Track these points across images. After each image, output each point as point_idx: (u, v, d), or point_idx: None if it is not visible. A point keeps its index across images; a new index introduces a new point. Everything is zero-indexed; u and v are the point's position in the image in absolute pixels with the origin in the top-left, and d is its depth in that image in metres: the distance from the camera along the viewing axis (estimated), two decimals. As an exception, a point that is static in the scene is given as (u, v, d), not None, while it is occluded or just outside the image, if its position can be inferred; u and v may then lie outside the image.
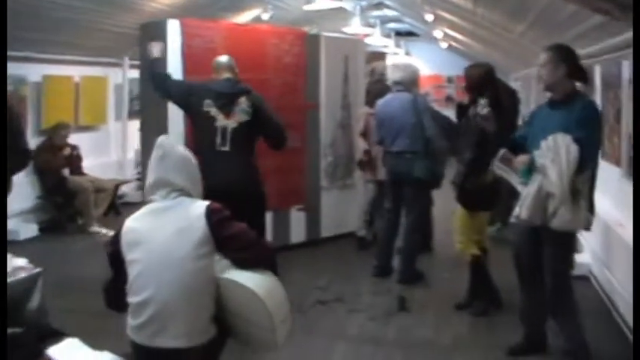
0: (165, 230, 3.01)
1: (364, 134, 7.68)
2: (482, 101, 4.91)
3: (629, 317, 4.97)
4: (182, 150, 3.26)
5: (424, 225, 7.42)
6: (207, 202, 3.11)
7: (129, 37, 9.24)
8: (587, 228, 4.31)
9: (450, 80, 19.99)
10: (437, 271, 6.85)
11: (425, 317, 5.57)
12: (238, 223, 3.13)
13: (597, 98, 6.48)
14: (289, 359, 4.31)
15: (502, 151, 4.47)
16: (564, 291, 4.35)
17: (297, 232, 7.63)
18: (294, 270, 6.39)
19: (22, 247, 6.96)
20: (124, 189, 10.03)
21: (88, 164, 9.22)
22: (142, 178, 10.78)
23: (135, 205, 9.49)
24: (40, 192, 8.61)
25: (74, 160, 8.86)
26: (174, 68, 6.32)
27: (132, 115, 10.74)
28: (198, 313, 3.01)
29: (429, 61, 19.72)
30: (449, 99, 18.57)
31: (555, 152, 3.99)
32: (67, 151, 8.70)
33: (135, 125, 10.90)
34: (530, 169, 4.17)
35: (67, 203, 8.66)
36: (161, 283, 2.94)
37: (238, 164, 5.33)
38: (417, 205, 6.56)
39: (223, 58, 5.78)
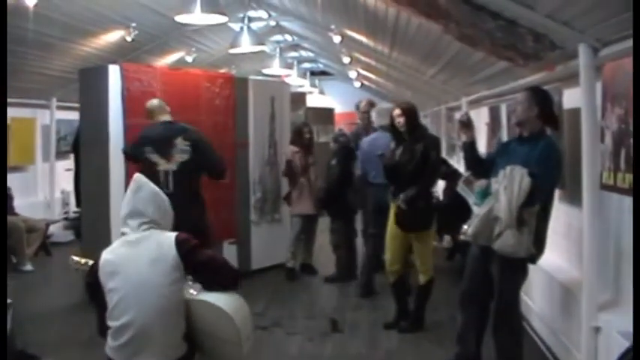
0: (139, 260, 3.36)
1: (289, 169, 8.22)
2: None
3: (544, 335, 5.54)
4: (154, 186, 3.60)
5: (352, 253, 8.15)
6: (175, 233, 3.48)
7: (57, 79, 9.54)
8: (531, 260, 4.51)
9: (362, 117, 20.59)
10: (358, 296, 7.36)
11: (357, 336, 6.05)
12: (205, 251, 3.53)
13: (504, 133, 7.13)
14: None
15: (466, 174, 4.89)
16: (508, 312, 4.58)
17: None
18: (231, 299, 6.74)
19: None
20: (51, 229, 10.17)
21: (17, 204, 9.33)
22: (68, 217, 11.02)
23: (64, 245, 9.77)
24: (-29, 232, 8.63)
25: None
26: (115, 111, 6.70)
27: (59, 155, 10.97)
28: (172, 332, 3.37)
29: (343, 99, 20.31)
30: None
31: (509, 181, 4.30)
32: (-2, 191, 8.80)
33: (62, 165, 11.13)
34: (486, 193, 4.58)
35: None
36: (139, 308, 3.28)
37: (182, 205, 5.67)
38: None
39: (156, 102, 6.27)
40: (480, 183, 4.75)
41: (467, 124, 4.99)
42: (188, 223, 5.27)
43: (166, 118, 6.12)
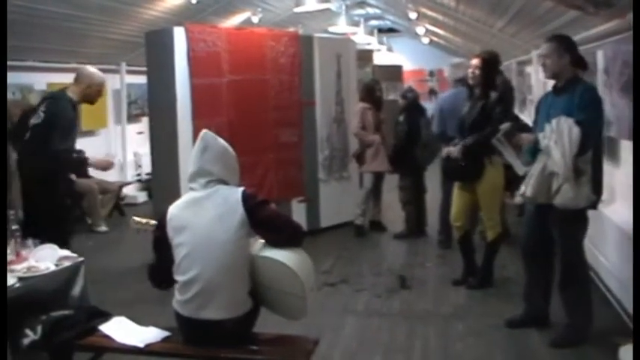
0: (207, 216, 3.40)
1: (363, 128, 8.15)
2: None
3: (615, 288, 5.40)
4: (222, 142, 3.58)
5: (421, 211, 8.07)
6: (242, 188, 3.49)
7: (126, 44, 9.67)
8: (593, 207, 4.49)
9: (431, 74, 20.44)
10: (431, 253, 7.37)
11: (425, 292, 6.04)
12: (271, 207, 3.55)
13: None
14: (305, 332, 4.44)
15: (507, 125, 4.79)
16: (575, 266, 4.54)
17: (299, 222, 7.97)
18: (300, 257, 6.80)
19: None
20: (124, 191, 10.44)
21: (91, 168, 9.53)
22: (141, 179, 11.25)
23: (137, 206, 10.00)
24: (48, 195, 8.88)
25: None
26: (181, 72, 6.77)
27: (130, 118, 11.20)
28: (237, 288, 3.42)
29: (411, 56, 20.12)
30: (432, 92, 18.97)
31: (559, 134, 4.23)
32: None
33: (133, 128, 11.39)
34: (535, 150, 4.48)
35: (75, 205, 9.00)
36: (206, 264, 3.34)
37: None
38: None
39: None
40: (527, 137, 4.62)
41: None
42: None
43: None
